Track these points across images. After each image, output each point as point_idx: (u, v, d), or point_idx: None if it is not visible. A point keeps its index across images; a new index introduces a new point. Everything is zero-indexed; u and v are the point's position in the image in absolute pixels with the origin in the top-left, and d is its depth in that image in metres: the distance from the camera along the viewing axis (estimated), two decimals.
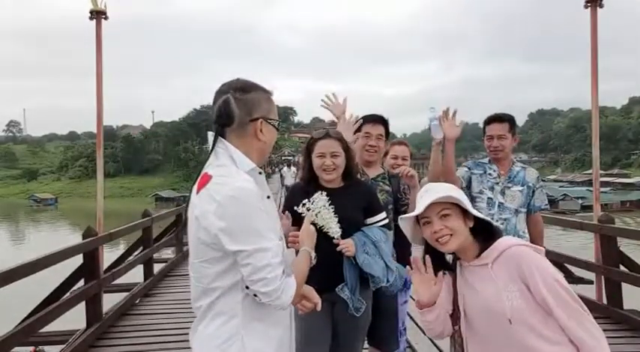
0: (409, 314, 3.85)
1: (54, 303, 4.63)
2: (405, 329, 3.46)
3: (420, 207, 1.85)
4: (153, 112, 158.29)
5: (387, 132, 3.29)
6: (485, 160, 3.46)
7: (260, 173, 1.69)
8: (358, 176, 2.93)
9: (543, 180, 3.57)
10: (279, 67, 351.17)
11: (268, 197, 1.72)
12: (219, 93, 1.67)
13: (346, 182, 2.73)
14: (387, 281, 2.60)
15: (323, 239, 2.49)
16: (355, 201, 2.68)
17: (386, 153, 3.57)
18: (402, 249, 2.99)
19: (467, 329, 1.90)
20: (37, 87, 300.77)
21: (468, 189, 3.34)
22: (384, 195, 3.10)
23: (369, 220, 2.70)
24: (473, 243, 1.87)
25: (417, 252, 2.02)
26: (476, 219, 1.87)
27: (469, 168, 3.42)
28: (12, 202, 68.81)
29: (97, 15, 6.13)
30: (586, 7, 5.79)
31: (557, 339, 1.72)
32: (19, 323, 4.11)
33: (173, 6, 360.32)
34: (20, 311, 4.79)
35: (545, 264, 1.78)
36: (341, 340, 2.72)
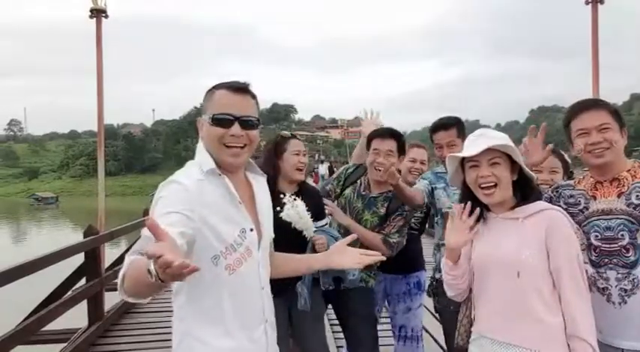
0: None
1: (56, 302, 4.64)
2: (421, 334, 3.44)
3: (473, 150, 1.85)
4: (153, 111, 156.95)
5: (401, 147, 2.94)
6: (442, 169, 3.07)
7: (220, 175, 1.65)
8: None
9: None
10: (280, 65, 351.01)
11: (240, 203, 1.67)
12: None
13: (300, 187, 2.82)
14: (353, 275, 2.71)
15: (293, 236, 2.57)
16: (310, 207, 2.71)
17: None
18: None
19: (477, 284, 1.96)
20: (37, 85, 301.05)
21: (432, 205, 3.06)
22: (374, 217, 2.96)
23: (317, 224, 2.76)
24: (511, 197, 1.89)
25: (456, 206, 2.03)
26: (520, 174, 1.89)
27: (430, 182, 3.06)
28: (13, 201, 68.87)
29: (97, 13, 6.15)
30: (587, 3, 5.79)
31: (557, 312, 1.79)
32: (22, 322, 4.12)
33: (174, 4, 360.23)
34: (21, 310, 4.79)
35: (574, 238, 1.85)
36: (304, 334, 2.84)
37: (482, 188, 1.86)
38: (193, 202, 1.53)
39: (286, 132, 2.93)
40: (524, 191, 1.90)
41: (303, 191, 2.81)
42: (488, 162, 1.86)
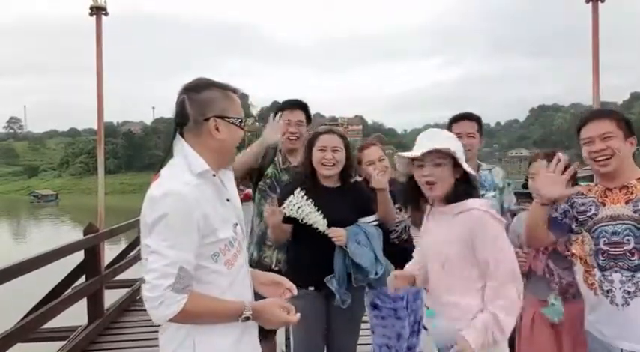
0: None
1: (55, 300, 4.64)
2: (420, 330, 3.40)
3: (417, 152, 2.02)
4: (153, 108, 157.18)
5: (308, 117, 3.25)
6: None
7: (214, 175, 1.65)
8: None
9: None
10: (280, 62, 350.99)
11: (228, 200, 1.71)
12: (178, 93, 1.70)
13: (343, 182, 2.78)
14: (376, 273, 2.64)
15: (314, 235, 2.60)
16: (351, 203, 2.73)
17: (359, 162, 3.12)
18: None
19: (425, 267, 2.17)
20: (37, 83, 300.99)
21: None
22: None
23: (362, 220, 2.75)
24: (451, 192, 2.05)
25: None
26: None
27: None
28: (13, 199, 68.95)
29: (97, 11, 6.12)
30: (587, 2, 5.77)
31: (477, 295, 1.97)
32: (21, 320, 4.12)
33: (174, 2, 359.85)
34: (21, 307, 4.80)
35: (497, 233, 1.98)
36: (336, 331, 2.77)
37: (425, 184, 2.04)
38: (195, 214, 1.54)
39: (323, 127, 2.89)
40: (464, 189, 2.04)
41: (346, 186, 2.78)
42: (432, 162, 2.02)
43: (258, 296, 1.82)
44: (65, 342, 4.65)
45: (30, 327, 4.01)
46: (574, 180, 2.47)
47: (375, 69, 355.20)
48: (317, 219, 2.59)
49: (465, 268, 1.98)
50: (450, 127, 3.15)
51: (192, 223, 1.54)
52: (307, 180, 2.76)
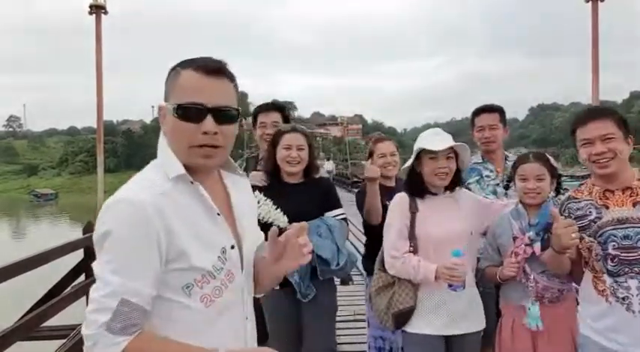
0: None
1: (55, 298, 4.64)
2: None
3: (440, 145, 2.38)
4: (153, 107, 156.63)
5: (286, 118, 3.31)
6: (478, 159, 3.14)
7: (192, 183, 1.30)
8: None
9: None
10: (281, 61, 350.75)
11: (219, 214, 1.34)
12: None
13: (306, 178, 2.83)
14: (337, 264, 2.66)
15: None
16: (313, 197, 2.78)
17: (371, 154, 3.20)
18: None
19: (425, 253, 2.41)
20: (37, 82, 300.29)
21: None
22: None
23: (327, 214, 2.79)
24: (453, 180, 2.49)
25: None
26: None
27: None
28: (12, 197, 68.86)
29: (97, 9, 6.13)
30: (587, 1, 5.76)
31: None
32: (21, 318, 4.12)
33: (173, 0, 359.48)
34: (20, 306, 4.80)
35: None
36: (307, 328, 2.78)
37: (438, 175, 2.41)
38: (153, 228, 1.21)
39: (287, 125, 2.96)
40: (459, 178, 2.53)
41: (309, 182, 2.83)
42: (445, 156, 2.41)
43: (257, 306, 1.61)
44: (65, 341, 4.65)
45: (30, 325, 4.02)
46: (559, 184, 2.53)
47: (375, 68, 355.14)
48: (277, 216, 2.63)
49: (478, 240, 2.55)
50: (472, 121, 3.21)
51: (150, 240, 1.20)
52: (269, 176, 2.82)
